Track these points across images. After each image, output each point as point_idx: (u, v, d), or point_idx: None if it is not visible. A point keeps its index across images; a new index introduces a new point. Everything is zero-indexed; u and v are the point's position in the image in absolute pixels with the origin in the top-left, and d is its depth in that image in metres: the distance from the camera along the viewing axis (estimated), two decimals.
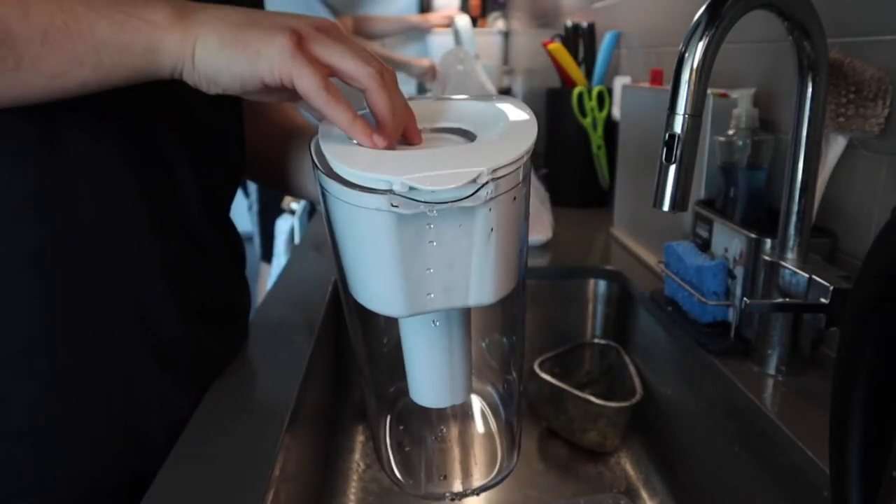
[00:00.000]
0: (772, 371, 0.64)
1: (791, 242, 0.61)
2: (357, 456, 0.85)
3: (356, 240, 0.40)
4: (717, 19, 0.47)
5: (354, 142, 0.42)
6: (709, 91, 0.78)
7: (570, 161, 1.34)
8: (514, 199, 0.39)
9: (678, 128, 0.48)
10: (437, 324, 0.44)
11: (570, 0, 1.73)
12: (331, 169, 0.40)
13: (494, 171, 0.36)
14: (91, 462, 0.53)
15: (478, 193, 0.36)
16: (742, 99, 0.73)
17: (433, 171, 0.36)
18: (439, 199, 0.36)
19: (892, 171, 0.59)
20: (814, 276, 0.57)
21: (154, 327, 0.54)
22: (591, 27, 1.37)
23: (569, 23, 1.42)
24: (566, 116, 1.30)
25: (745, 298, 0.59)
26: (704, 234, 0.75)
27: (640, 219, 1.03)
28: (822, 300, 0.56)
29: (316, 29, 0.43)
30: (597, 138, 1.30)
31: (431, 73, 2.40)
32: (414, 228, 0.37)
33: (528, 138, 0.40)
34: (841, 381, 0.34)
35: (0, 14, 0.38)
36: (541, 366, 0.89)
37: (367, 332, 0.51)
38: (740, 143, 0.70)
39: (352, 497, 0.77)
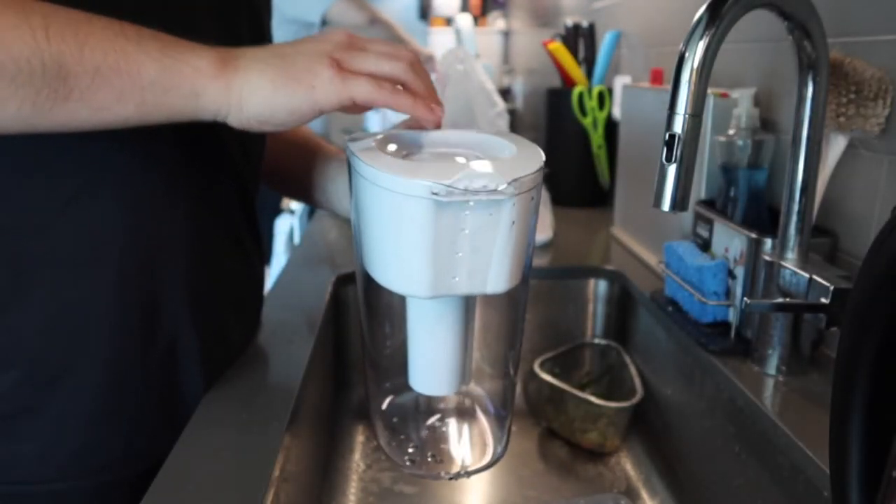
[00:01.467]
0: (772, 371, 0.64)
1: (791, 242, 0.61)
2: (357, 456, 0.85)
3: (391, 224, 0.44)
4: (718, 19, 0.47)
5: (389, 149, 0.48)
6: (709, 91, 0.78)
7: (571, 161, 1.34)
8: (532, 198, 0.44)
9: (678, 128, 0.48)
10: (447, 312, 0.48)
11: (570, 0, 1.73)
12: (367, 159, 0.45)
13: (517, 178, 0.42)
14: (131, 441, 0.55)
15: (509, 187, 0.41)
16: (742, 99, 0.73)
17: (471, 178, 0.41)
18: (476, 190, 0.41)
19: (892, 171, 0.59)
20: (814, 276, 0.57)
21: (197, 307, 0.57)
22: (592, 27, 1.37)
23: (569, 22, 1.42)
24: (566, 116, 1.30)
25: (745, 298, 0.59)
26: (705, 233, 0.75)
27: (641, 219, 1.03)
28: (823, 300, 0.56)
29: (342, 47, 0.47)
30: (597, 138, 1.29)
31: (431, 64, 2.39)
32: (451, 215, 0.42)
33: (539, 154, 0.47)
34: (841, 381, 0.34)
35: (57, 49, 0.40)
36: (541, 366, 0.89)
37: (375, 322, 0.55)
38: (741, 142, 0.70)
39: (352, 497, 0.77)
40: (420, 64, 0.49)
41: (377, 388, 0.58)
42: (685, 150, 0.48)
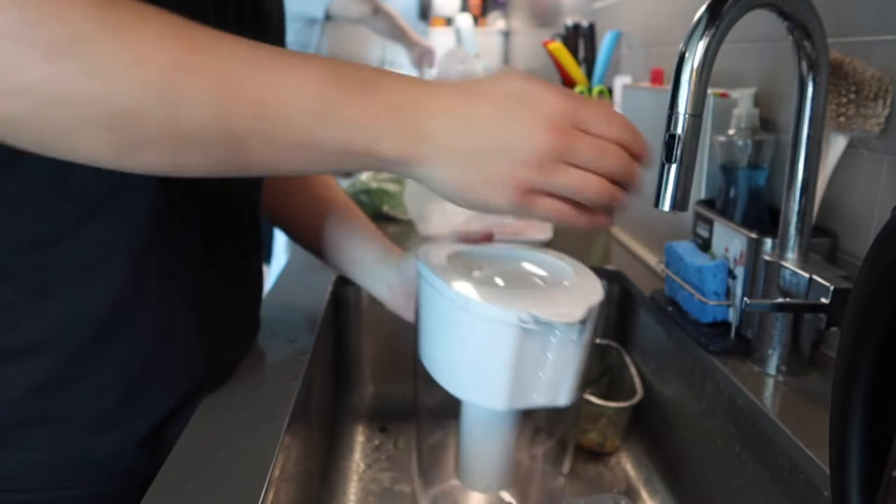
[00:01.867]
0: (772, 371, 0.64)
1: (791, 242, 0.61)
2: (357, 456, 0.85)
3: (474, 344, 0.48)
4: (718, 19, 0.47)
5: (474, 275, 0.53)
6: (709, 91, 0.78)
7: None
8: (595, 323, 0.49)
9: (679, 128, 0.48)
10: (503, 416, 0.52)
11: (570, 0, 1.73)
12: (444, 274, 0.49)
13: (592, 307, 0.48)
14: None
15: (588, 315, 0.46)
16: (743, 99, 0.73)
17: (555, 306, 0.46)
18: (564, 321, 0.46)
19: (892, 171, 0.59)
20: (814, 276, 0.57)
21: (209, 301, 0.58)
22: (592, 27, 1.37)
23: (569, 22, 1.42)
24: None
25: (745, 298, 0.59)
26: (705, 233, 0.75)
27: (641, 219, 1.03)
28: (823, 300, 0.56)
29: (555, 152, 0.40)
30: None
31: (430, 58, 2.38)
32: (537, 341, 0.46)
33: (596, 280, 0.52)
34: (841, 381, 0.34)
35: (239, 124, 0.37)
36: None
37: (427, 399, 0.60)
38: (741, 142, 0.70)
39: (352, 497, 0.77)
40: (637, 152, 0.43)
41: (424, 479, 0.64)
42: (685, 151, 0.48)
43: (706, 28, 0.47)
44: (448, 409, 0.55)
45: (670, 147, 0.48)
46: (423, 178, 0.42)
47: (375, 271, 0.70)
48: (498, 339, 0.46)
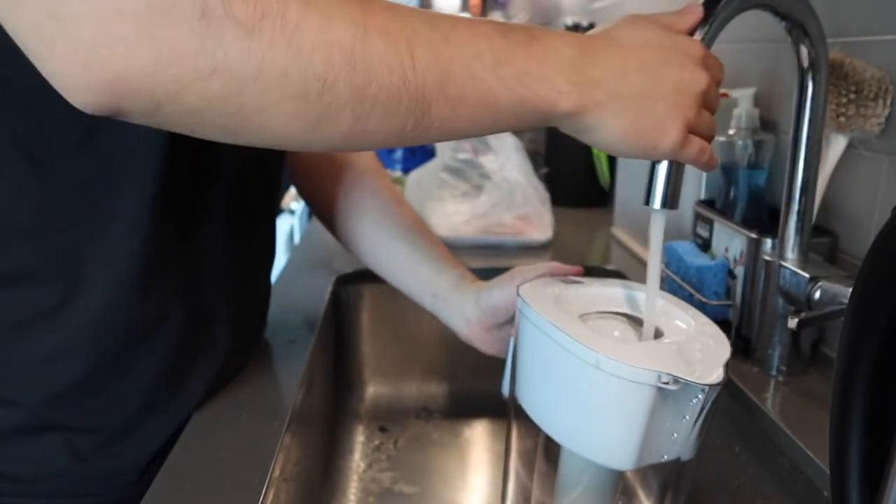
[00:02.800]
0: (772, 371, 0.64)
1: (791, 242, 0.61)
2: (357, 456, 0.85)
3: (603, 402, 0.45)
4: (711, 19, 0.48)
5: (587, 320, 0.51)
6: None
7: (571, 161, 1.34)
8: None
9: None
10: (610, 471, 0.50)
11: (570, 0, 1.73)
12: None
13: (727, 363, 0.46)
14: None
15: (723, 378, 0.44)
16: (742, 99, 0.73)
17: (689, 364, 0.44)
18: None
19: (892, 171, 0.59)
20: (814, 277, 0.57)
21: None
22: (592, 27, 1.37)
23: (569, 22, 1.42)
24: None
25: (796, 318, 0.57)
26: (705, 233, 0.75)
27: (641, 219, 1.03)
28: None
29: (705, 96, 0.44)
30: None
31: None
32: (673, 401, 0.44)
33: (721, 334, 0.50)
34: (841, 380, 0.34)
35: (423, 79, 0.37)
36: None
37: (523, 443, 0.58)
38: (741, 142, 0.70)
39: (352, 497, 0.77)
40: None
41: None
42: None
43: (698, 28, 0.48)
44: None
45: None
46: (596, 128, 0.42)
47: (451, 300, 0.66)
48: (632, 398, 0.43)
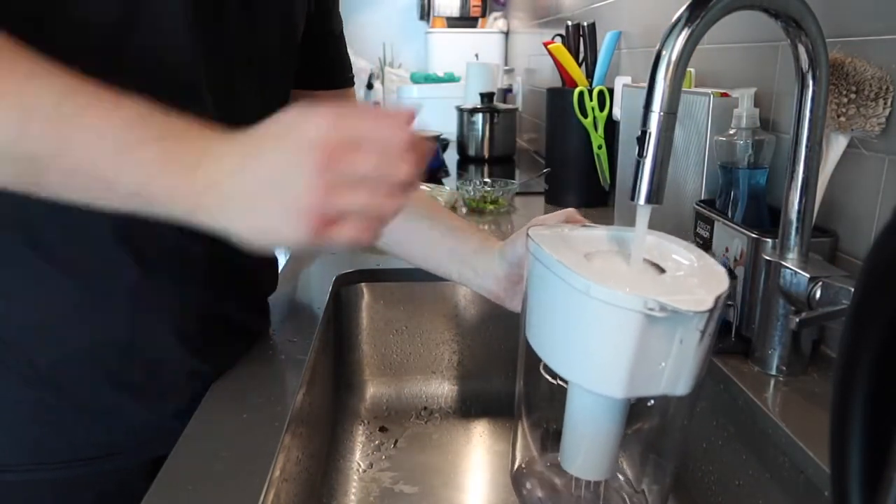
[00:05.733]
0: (772, 371, 0.64)
1: (792, 242, 0.61)
2: (357, 456, 0.85)
3: (594, 330, 0.46)
4: (696, 19, 0.48)
5: (591, 258, 0.50)
6: (710, 91, 0.78)
7: (571, 161, 1.34)
8: (721, 312, 0.46)
9: (652, 125, 0.49)
10: (613, 403, 0.51)
11: (570, 0, 1.73)
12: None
13: (720, 295, 0.45)
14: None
15: (716, 303, 0.43)
16: (743, 99, 0.72)
17: (682, 293, 0.44)
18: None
19: (892, 171, 0.59)
20: (815, 277, 0.57)
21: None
22: (592, 27, 1.37)
23: (569, 22, 1.42)
24: (567, 116, 1.30)
25: (796, 318, 0.57)
26: (705, 233, 0.75)
27: None
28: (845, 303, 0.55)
29: (329, 171, 0.39)
30: (597, 138, 1.29)
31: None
32: (662, 329, 0.44)
33: (720, 268, 0.49)
34: (841, 381, 0.34)
35: (35, 146, 0.40)
36: (543, 366, 0.88)
37: (531, 378, 0.59)
38: (741, 142, 0.70)
39: (352, 497, 0.77)
40: (413, 144, 0.41)
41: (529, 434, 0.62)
42: (658, 146, 0.49)
43: (683, 27, 0.48)
44: (552, 392, 0.54)
45: (641, 143, 0.49)
46: (222, 226, 0.42)
47: (477, 264, 0.67)
48: (621, 325, 0.44)
